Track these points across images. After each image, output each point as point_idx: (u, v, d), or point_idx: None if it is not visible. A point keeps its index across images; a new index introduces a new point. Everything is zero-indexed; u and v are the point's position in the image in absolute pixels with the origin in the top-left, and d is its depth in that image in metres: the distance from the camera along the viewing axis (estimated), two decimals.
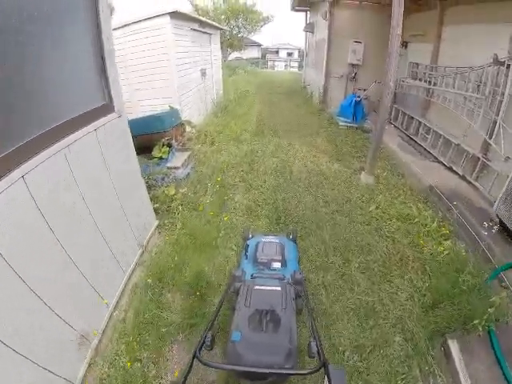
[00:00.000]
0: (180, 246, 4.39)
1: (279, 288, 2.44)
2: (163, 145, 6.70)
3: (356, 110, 11.04)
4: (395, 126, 10.19)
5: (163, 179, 5.98)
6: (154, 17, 6.99)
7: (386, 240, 4.56)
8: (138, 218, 3.97)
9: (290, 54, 52.82)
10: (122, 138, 3.73)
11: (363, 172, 6.78)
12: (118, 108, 3.51)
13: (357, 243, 4.48)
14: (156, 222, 4.73)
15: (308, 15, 17.47)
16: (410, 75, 9.68)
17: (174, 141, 6.93)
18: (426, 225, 4.72)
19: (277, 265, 2.89)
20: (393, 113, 10.60)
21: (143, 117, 7.20)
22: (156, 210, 4.88)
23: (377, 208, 5.35)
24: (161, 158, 6.64)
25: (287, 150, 8.42)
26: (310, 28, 15.95)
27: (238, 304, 2.34)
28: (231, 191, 6.14)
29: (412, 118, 8.89)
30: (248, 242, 3.43)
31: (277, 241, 3.25)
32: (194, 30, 8.88)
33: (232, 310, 2.59)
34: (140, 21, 7.13)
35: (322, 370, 1.72)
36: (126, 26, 7.21)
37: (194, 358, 1.80)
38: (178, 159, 6.76)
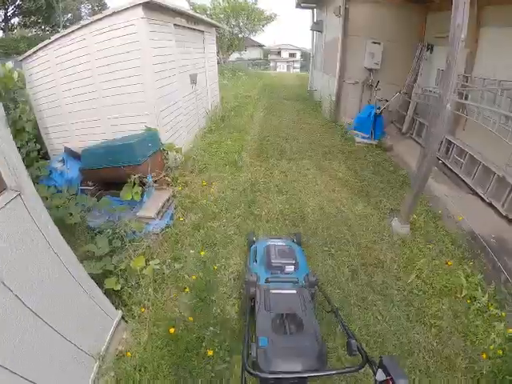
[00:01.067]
0: (150, 360, 2.89)
1: (295, 291, 2.45)
2: (135, 183, 4.97)
3: (375, 123, 9.31)
4: (416, 142, 8.68)
5: (134, 233, 4.44)
6: (122, 10, 5.24)
7: (429, 330, 3.41)
8: (84, 328, 2.65)
9: (292, 55, 52.79)
10: (30, 232, 2.07)
11: (395, 219, 5.15)
12: (15, 182, 1.90)
13: (394, 339, 3.29)
14: (119, 314, 3.20)
15: (315, 13, 15.74)
16: (438, 83, 8.13)
17: (150, 176, 5.20)
18: (475, 298, 3.70)
19: (290, 268, 2.82)
20: (415, 126, 9.08)
21: (107, 144, 5.54)
22: (120, 292, 3.48)
23: (417, 277, 4.08)
24: (133, 200, 4.96)
25: (297, 179, 6.73)
26: (317, 27, 14.21)
27: (258, 309, 2.29)
28: (224, 253, 4.43)
29: None
30: (255, 246, 3.31)
31: (285, 244, 3.20)
32: (180, 26, 7.14)
33: (248, 315, 2.38)
34: (104, 17, 5.39)
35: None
36: (89, 24, 5.47)
37: (243, 371, 1.81)
38: (153, 204, 5.05)
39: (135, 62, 5.48)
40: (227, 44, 26.34)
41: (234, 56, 38.64)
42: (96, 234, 4.32)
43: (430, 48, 9.01)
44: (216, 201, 5.65)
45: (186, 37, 7.71)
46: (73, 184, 5.46)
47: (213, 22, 10.04)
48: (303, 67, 44.78)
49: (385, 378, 1.48)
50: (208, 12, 24.57)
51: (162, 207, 5.13)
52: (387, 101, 9.32)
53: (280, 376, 1.78)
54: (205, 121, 9.60)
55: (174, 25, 6.71)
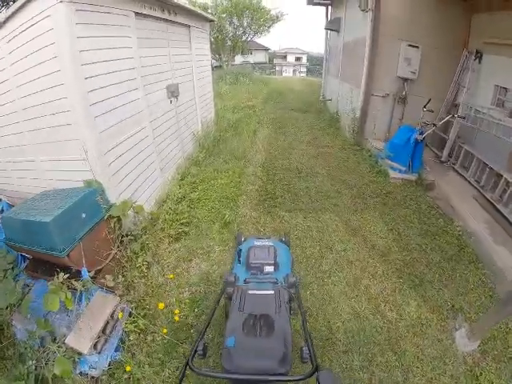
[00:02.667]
0: None
1: (272, 292, 2.41)
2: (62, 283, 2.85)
3: (415, 152, 7.04)
4: (460, 174, 6.81)
5: None
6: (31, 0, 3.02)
7: None
8: None
9: (298, 59, 51.93)
10: None
11: (460, 331, 3.32)
12: None
13: None
14: None
15: (329, 10, 13.50)
16: (495, 104, 6.37)
17: (85, 272, 3.09)
18: None
19: (269, 268, 2.79)
20: (459, 155, 7.02)
21: (22, 210, 3.42)
22: None
23: None
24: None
25: (319, 255, 4.56)
26: (333, 25, 11.93)
27: (232, 309, 2.28)
28: None
29: (493, 170, 5.69)
30: (241, 247, 3.24)
31: (270, 244, 3.13)
32: (149, 17, 4.91)
33: (225, 316, 2.64)
34: (13, 14, 3.18)
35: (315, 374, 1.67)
36: None
37: (186, 366, 1.77)
38: (88, 323, 2.86)
39: (53, 78, 3.24)
40: (230, 46, 24.10)
41: (239, 59, 36.91)
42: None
43: (479, 56, 6.93)
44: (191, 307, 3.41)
45: (160, 33, 5.46)
46: None
47: (203, 13, 7.71)
48: (310, 72, 43.82)
49: None
50: (209, 11, 22.36)
51: (104, 330, 2.91)
52: (435, 125, 7.01)
53: (219, 376, 1.89)
54: (192, 146, 7.34)
55: (136, 14, 4.45)
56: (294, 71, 46.45)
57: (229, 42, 23.89)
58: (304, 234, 4.87)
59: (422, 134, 6.83)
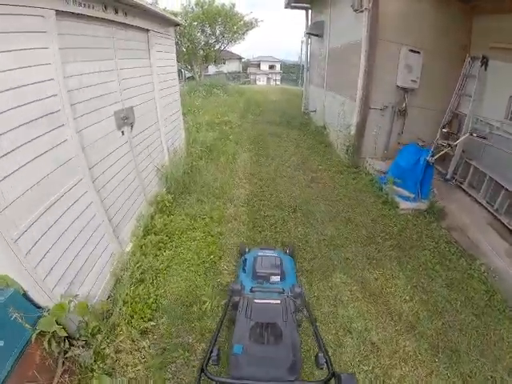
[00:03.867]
0: None
1: (279, 301, 2.41)
2: None
3: (425, 177, 5.94)
4: (469, 195, 6.05)
5: None
6: None
7: None
8: None
9: (271, 67, 51.69)
10: None
11: None
12: None
13: None
14: None
15: (310, 14, 12.36)
16: (509, 117, 5.44)
17: None
18: None
19: (276, 278, 2.80)
20: (468, 174, 6.22)
21: None
22: None
23: None
24: None
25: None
26: (316, 30, 10.76)
27: (238, 317, 2.27)
28: None
29: (508, 191, 5.09)
30: (246, 257, 3.24)
31: (274, 255, 3.14)
32: (83, 17, 3.48)
33: (232, 324, 2.58)
34: None
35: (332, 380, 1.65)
36: None
37: (201, 373, 1.74)
38: None
39: None
40: (202, 56, 22.69)
41: (212, 70, 35.65)
42: None
43: (485, 63, 5.94)
44: None
45: (103, 40, 4.01)
46: None
47: (167, 14, 6.24)
48: (284, 80, 44.19)
49: None
50: (179, 18, 20.89)
51: None
52: (450, 145, 5.85)
53: (235, 383, 1.79)
54: (157, 184, 5.84)
55: (59, 14, 2.99)
56: (268, 79, 46.03)
57: (201, 52, 22.45)
58: (313, 311, 3.52)
59: (433, 156, 5.70)
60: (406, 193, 6.05)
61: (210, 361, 1.84)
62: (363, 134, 7.39)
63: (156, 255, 4.27)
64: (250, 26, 22.87)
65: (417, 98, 7.20)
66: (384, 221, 5.43)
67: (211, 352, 1.87)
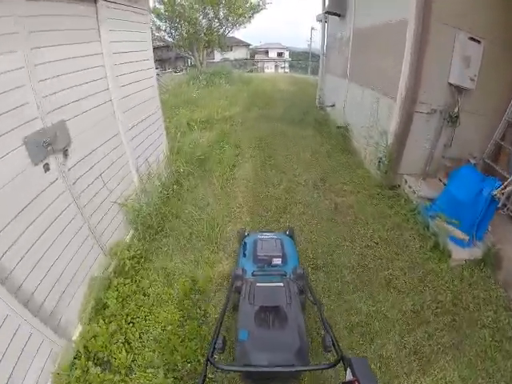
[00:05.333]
0: None
1: (282, 284, 2.35)
2: None
3: (486, 215, 4.18)
4: None
5: None
6: None
7: None
8: None
9: (280, 55, 50.12)
10: None
11: None
12: None
13: None
14: None
15: None
16: None
17: None
18: None
19: (277, 261, 2.74)
20: None
21: None
22: None
23: None
24: None
25: None
26: (337, 6, 8.79)
27: (242, 302, 2.22)
28: None
29: None
30: (245, 241, 3.15)
31: (275, 237, 3.09)
32: None
33: (235, 310, 2.53)
34: None
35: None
36: None
37: (207, 362, 1.69)
38: None
39: None
40: (204, 41, 20.65)
41: (219, 57, 33.95)
42: None
43: None
44: None
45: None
46: None
47: None
48: (292, 67, 42.88)
49: (351, 378, 1.40)
50: (179, 1, 18.84)
51: None
52: None
53: (243, 370, 1.82)
54: (118, 230, 4.07)
55: None
56: (276, 67, 44.25)
57: (203, 37, 20.38)
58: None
59: (503, 192, 3.96)
60: (459, 234, 4.30)
61: (216, 350, 1.78)
62: (404, 145, 5.52)
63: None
64: (257, 8, 20.66)
65: (472, 101, 5.29)
66: (435, 281, 3.75)
67: (216, 341, 1.80)
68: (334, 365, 1.60)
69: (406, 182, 5.63)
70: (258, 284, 2.35)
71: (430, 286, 3.67)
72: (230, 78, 17.72)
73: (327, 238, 4.45)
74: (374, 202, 5.34)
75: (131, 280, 3.51)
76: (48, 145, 2.69)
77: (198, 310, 3.20)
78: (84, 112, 3.33)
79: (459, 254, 4.12)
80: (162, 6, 18.69)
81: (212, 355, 1.72)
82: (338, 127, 8.58)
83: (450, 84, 5.16)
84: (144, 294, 3.36)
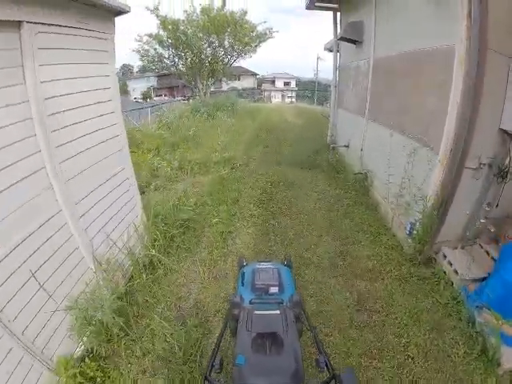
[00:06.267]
0: None
1: (279, 312, 2.32)
2: None
3: None
4: None
5: None
6: None
7: None
8: None
9: (286, 84, 50.58)
10: None
11: None
12: None
13: None
14: None
15: (339, 16, 9.30)
16: None
17: None
18: None
19: (274, 289, 2.70)
20: None
21: None
22: None
23: None
24: None
25: None
26: (353, 32, 7.64)
27: (239, 329, 2.20)
28: None
29: None
30: (244, 270, 3.11)
31: (272, 266, 3.01)
32: None
33: (233, 337, 2.50)
34: None
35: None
36: None
37: (204, 380, 1.78)
38: None
39: None
40: (208, 70, 19.77)
41: (225, 86, 33.73)
42: None
43: None
44: None
45: None
46: None
47: None
48: (299, 97, 42.94)
49: None
50: (182, 28, 18.00)
51: None
52: None
53: None
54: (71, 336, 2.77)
55: None
56: (283, 96, 44.24)
57: (207, 65, 19.53)
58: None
59: None
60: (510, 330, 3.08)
61: (213, 369, 1.85)
62: (446, 210, 4.15)
63: None
64: (263, 37, 19.85)
65: None
66: None
67: (214, 361, 1.88)
68: (328, 382, 1.68)
69: (445, 256, 4.30)
70: (255, 312, 2.30)
71: None
72: (233, 111, 16.68)
73: (347, 354, 3.10)
74: (406, 288, 4.01)
75: None
76: None
77: None
78: None
79: (510, 361, 2.91)
80: (165, 33, 17.82)
81: (210, 374, 1.77)
82: (356, 174, 7.29)
83: (503, 131, 3.90)
84: None
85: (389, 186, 5.44)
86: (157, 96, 44.58)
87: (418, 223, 4.49)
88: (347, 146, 8.62)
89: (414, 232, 4.54)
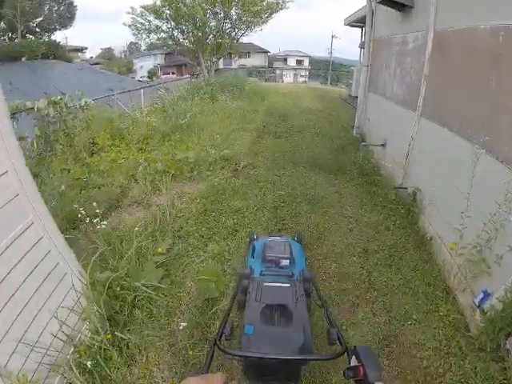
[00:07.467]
0: None
1: (289, 284, 2.31)
2: None
3: None
4: None
5: None
6: None
7: None
8: None
9: (299, 62, 48.68)
10: None
11: None
12: None
13: None
14: None
15: None
16: None
17: None
18: None
19: (285, 262, 2.69)
20: None
21: None
22: None
23: None
24: None
25: None
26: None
27: (249, 300, 2.16)
28: None
29: None
30: (254, 243, 3.11)
31: (283, 240, 3.04)
32: None
33: (242, 308, 2.44)
34: None
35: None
36: None
37: (214, 346, 1.60)
38: None
39: None
40: (212, 46, 17.61)
41: (235, 63, 32.39)
42: None
43: None
44: None
45: None
46: None
47: None
48: (312, 76, 42.01)
49: (356, 363, 1.30)
50: (187, 1, 15.81)
51: None
52: None
53: (249, 355, 1.68)
54: None
55: None
56: (295, 75, 42.51)
57: (212, 40, 17.37)
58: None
59: None
60: None
61: (223, 336, 1.72)
62: None
63: None
64: (275, 7, 17.53)
65: None
66: None
67: (224, 327, 1.75)
68: (340, 355, 1.50)
69: None
70: (265, 283, 2.27)
71: None
72: (241, 91, 14.64)
73: None
74: None
75: None
76: None
77: None
78: None
79: None
80: (162, 2, 15.61)
81: (219, 340, 1.63)
82: (397, 188, 5.39)
83: None
84: None
85: (458, 227, 3.46)
86: (164, 74, 43.30)
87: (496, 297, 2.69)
88: (384, 146, 6.66)
89: (488, 305, 2.75)
